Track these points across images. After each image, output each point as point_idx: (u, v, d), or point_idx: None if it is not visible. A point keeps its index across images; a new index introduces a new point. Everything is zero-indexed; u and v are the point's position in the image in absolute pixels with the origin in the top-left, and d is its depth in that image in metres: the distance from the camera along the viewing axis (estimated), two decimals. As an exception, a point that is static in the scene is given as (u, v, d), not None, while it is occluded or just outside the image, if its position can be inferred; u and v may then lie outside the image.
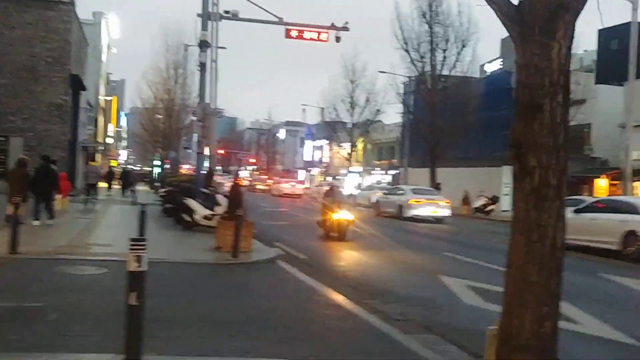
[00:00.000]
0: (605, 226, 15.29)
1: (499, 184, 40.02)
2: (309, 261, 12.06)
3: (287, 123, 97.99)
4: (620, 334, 6.91)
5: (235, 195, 12.36)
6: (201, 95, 19.93)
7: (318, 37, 21.47)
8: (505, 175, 40.93)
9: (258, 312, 7.23)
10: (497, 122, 40.42)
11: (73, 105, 31.03)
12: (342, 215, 16.20)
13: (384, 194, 31.91)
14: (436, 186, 35.79)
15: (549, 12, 3.02)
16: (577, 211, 16.05)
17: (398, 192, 29.32)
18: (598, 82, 37.75)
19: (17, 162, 14.67)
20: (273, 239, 15.41)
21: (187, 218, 15.88)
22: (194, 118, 22.61)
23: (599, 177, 34.41)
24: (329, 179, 68.88)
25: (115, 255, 10.22)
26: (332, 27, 21.59)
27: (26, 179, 14.00)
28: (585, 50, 48.86)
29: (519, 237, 3.10)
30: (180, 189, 17.57)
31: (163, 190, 23.19)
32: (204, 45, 19.65)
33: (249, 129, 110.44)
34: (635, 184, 30.74)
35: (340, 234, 16.16)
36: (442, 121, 38.08)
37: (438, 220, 26.21)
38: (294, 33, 20.92)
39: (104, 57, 50.94)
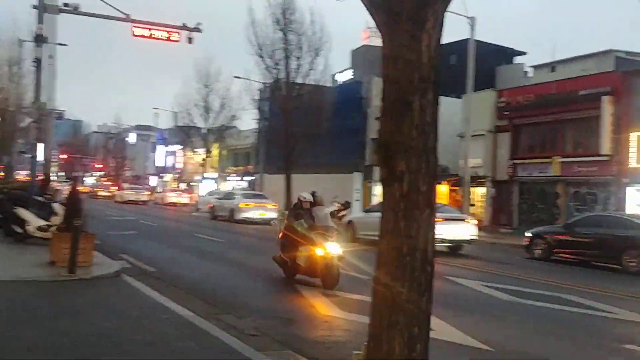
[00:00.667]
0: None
1: (351, 190, 41.19)
2: (157, 274, 11.21)
3: (138, 127, 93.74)
4: (473, 340, 7.01)
5: (73, 203, 11.15)
6: (37, 94, 18.11)
7: (168, 37, 20.44)
8: (355, 182, 42.28)
9: (94, 335, 6.39)
10: (348, 130, 41.69)
11: None
12: (330, 249, 10.22)
13: (218, 199, 32.93)
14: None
15: (417, 0, 2.74)
16: None
17: (231, 197, 31.33)
18: (440, 94, 40.09)
19: None
20: (119, 251, 14.28)
21: (19, 229, 14.19)
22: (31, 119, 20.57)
23: (440, 184, 36.59)
24: (182, 185, 66.87)
25: None
26: (184, 27, 20.66)
27: None
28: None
29: (388, 250, 2.77)
30: (10, 197, 15.69)
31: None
32: (39, 39, 17.91)
33: (96, 132, 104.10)
34: (472, 189, 33.02)
35: (328, 281, 10.12)
36: (296, 128, 38.32)
37: (266, 222, 27.35)
38: (141, 31, 19.73)
39: None
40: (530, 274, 13.84)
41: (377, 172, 40.53)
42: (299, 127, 38.22)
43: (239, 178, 61.67)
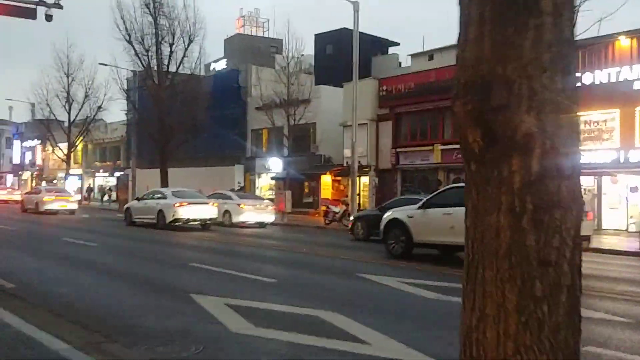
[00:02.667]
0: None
1: (233, 183, 39.60)
2: (18, 291, 9.22)
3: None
4: (418, 353, 6.03)
5: None
6: None
7: (28, 13, 17.79)
8: (237, 174, 40.74)
9: None
10: (227, 120, 40.01)
11: None
12: None
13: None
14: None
15: None
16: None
17: (38, 192, 31.30)
18: (317, 84, 39.65)
19: None
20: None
21: None
22: None
23: (325, 174, 36.11)
24: (44, 183, 61.28)
25: None
26: (41, 2, 18.12)
27: None
28: (302, 55, 51.65)
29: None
30: None
31: None
32: None
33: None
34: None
35: None
36: (171, 119, 36.09)
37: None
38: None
39: None
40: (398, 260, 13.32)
41: (258, 164, 39.92)
42: (174, 118, 36.06)
43: (108, 174, 57.65)
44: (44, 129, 53.51)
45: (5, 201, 48.23)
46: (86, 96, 49.66)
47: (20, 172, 72.78)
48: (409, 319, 7.90)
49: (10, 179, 76.38)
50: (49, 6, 18.31)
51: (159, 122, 36.33)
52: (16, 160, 74.85)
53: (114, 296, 9.19)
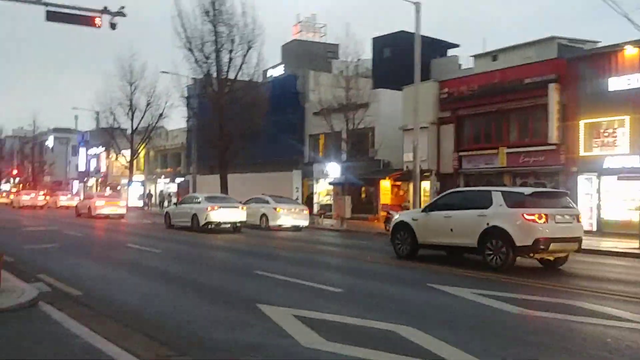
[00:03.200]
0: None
1: (291, 188, 39.54)
2: (85, 299, 9.14)
3: (56, 130, 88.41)
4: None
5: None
6: None
7: (92, 21, 18.08)
8: (295, 180, 40.62)
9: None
10: (285, 126, 39.98)
11: None
12: None
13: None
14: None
15: None
16: None
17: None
18: (375, 87, 39.07)
19: None
20: (36, 270, 12.03)
21: None
22: None
23: (384, 179, 35.49)
24: (108, 189, 63.01)
25: None
26: (105, 11, 18.38)
27: None
28: (360, 59, 51.48)
29: None
30: None
31: None
32: None
33: (10, 137, 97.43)
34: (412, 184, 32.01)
35: None
36: (230, 125, 36.34)
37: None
38: (56, 15, 17.29)
39: None
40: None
41: (316, 169, 39.63)
42: (233, 125, 36.30)
43: (169, 180, 58.72)
44: (107, 136, 55.03)
45: (67, 207, 50.37)
46: (148, 104, 50.80)
47: (85, 179, 75.21)
48: (492, 335, 7.31)
49: (76, 185, 79.00)
50: (112, 14, 18.58)
51: (219, 129, 36.64)
52: (81, 167, 77.35)
53: (180, 305, 8.97)
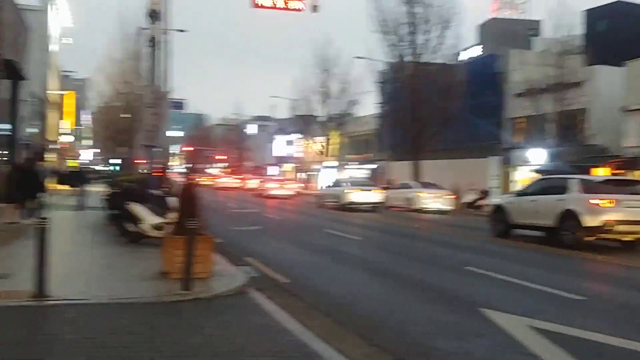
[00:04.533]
0: None
1: (488, 176, 37.24)
2: (294, 288, 8.72)
3: (257, 118, 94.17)
4: None
5: (187, 199, 8.88)
6: (151, 75, 16.48)
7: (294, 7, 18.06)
8: (493, 167, 38.15)
9: None
10: (482, 110, 37.62)
11: (12, 97, 26.98)
12: None
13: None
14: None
15: None
16: None
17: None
18: (589, 64, 35.03)
19: (14, 166, 16.52)
20: (242, 253, 12.08)
21: (132, 228, 12.39)
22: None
23: (597, 166, 31.65)
24: (301, 174, 65.51)
25: (7, 297, 6.82)
26: (308, -6, 18.23)
27: (20, 181, 15.21)
28: (568, 34, 47.00)
29: None
30: (123, 191, 14.01)
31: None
32: (154, 16, 16.18)
33: (217, 125, 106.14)
34: (636, 172, 28.05)
35: None
36: (424, 110, 35.11)
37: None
38: (262, 1, 17.49)
39: (53, 47, 46.55)
40: None
41: (516, 155, 36.77)
42: (427, 109, 35.03)
43: (359, 166, 59.12)
44: (302, 123, 56.90)
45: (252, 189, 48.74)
46: (341, 91, 51.39)
47: (281, 165, 79.06)
48: None
49: (273, 170, 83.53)
50: (314, -3, 18.38)
51: (412, 113, 35.63)
52: (278, 153, 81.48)
53: (391, 302, 8.13)
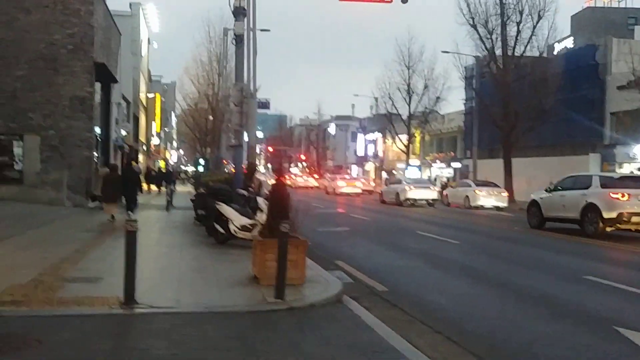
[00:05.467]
0: None
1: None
2: (392, 297, 7.97)
3: (337, 117, 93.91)
4: None
5: (278, 200, 8.32)
6: (237, 74, 16.18)
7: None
8: (592, 165, 35.67)
9: None
10: (579, 103, 35.27)
11: (104, 100, 27.82)
12: None
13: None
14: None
15: None
16: None
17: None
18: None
19: (111, 168, 17.86)
20: (332, 256, 11.45)
21: (220, 229, 12.05)
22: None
23: None
24: (383, 174, 64.41)
25: (95, 304, 6.48)
26: (397, -16, 17.39)
27: (118, 182, 16.39)
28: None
29: None
30: (211, 191, 13.74)
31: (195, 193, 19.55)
32: (239, 13, 15.85)
33: (299, 125, 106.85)
34: None
35: None
36: (516, 104, 33.36)
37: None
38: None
39: (143, 51, 48.02)
40: None
41: (620, 152, 34.16)
42: (520, 104, 33.27)
43: (444, 165, 57.40)
44: (385, 121, 55.87)
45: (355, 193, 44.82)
46: (425, 87, 50.09)
47: (363, 164, 78.26)
48: None
49: (355, 169, 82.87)
50: (403, -12, 17.53)
51: (503, 109, 33.99)
52: (360, 152, 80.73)
53: (508, 317, 7.21)
